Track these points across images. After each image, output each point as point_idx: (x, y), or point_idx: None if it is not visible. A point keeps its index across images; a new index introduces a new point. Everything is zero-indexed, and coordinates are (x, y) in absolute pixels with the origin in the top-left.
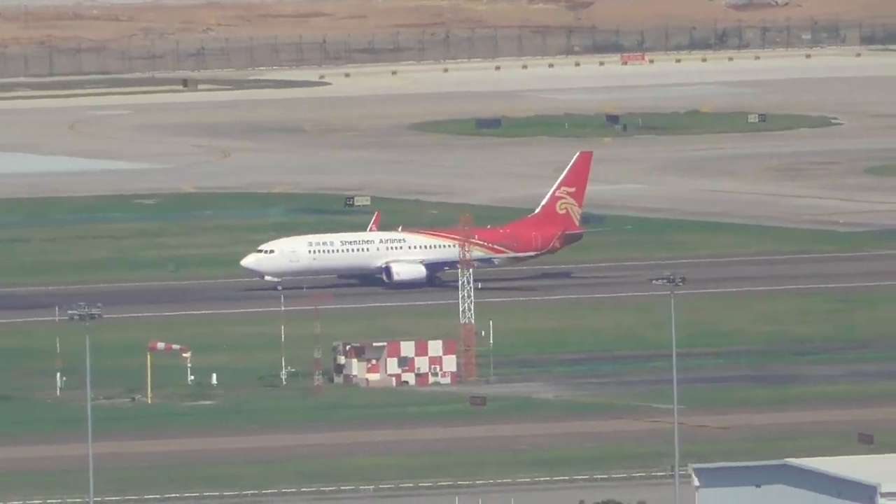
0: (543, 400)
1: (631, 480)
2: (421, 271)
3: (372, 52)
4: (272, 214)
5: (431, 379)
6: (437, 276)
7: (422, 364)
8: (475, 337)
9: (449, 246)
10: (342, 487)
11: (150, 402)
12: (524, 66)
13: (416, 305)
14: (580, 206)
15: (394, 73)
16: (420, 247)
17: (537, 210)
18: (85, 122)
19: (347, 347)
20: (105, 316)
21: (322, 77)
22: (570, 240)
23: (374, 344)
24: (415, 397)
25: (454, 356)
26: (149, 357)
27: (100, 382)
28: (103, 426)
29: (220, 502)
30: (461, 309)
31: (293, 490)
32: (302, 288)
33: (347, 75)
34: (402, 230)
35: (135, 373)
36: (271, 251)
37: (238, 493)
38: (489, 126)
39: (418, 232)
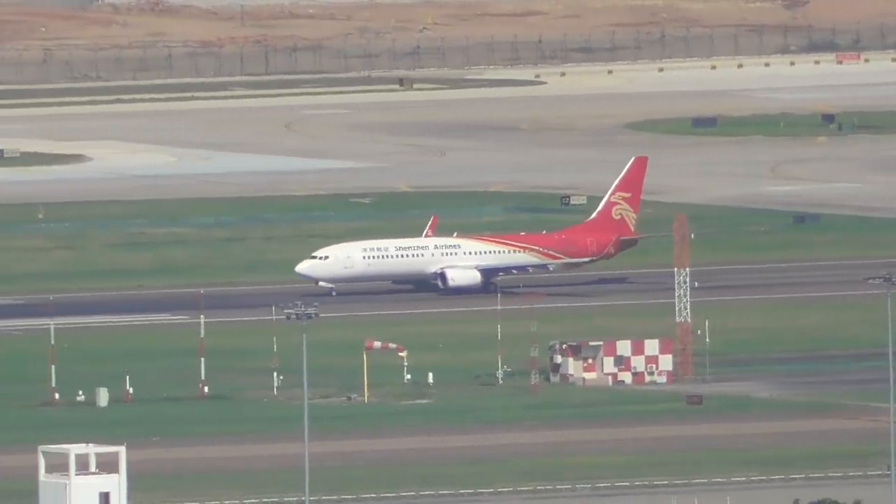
0: (760, 399)
1: (847, 479)
2: (476, 277)
3: (587, 52)
4: (488, 213)
5: (647, 378)
6: (493, 281)
7: (638, 363)
8: (692, 336)
9: (504, 252)
10: (558, 486)
11: (366, 401)
12: (740, 66)
13: (627, 305)
14: (636, 211)
15: (609, 72)
16: (475, 252)
17: (593, 215)
18: (301, 122)
19: (564, 346)
20: (321, 315)
21: (538, 76)
22: (625, 245)
23: (591, 343)
24: (631, 396)
25: (670, 355)
26: (365, 356)
27: (316, 381)
28: (319, 425)
29: (436, 501)
30: (677, 308)
31: (509, 489)
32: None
33: (563, 74)
34: (457, 236)
35: (351, 372)
36: (326, 257)
37: (454, 492)
38: (705, 125)
39: (473, 238)
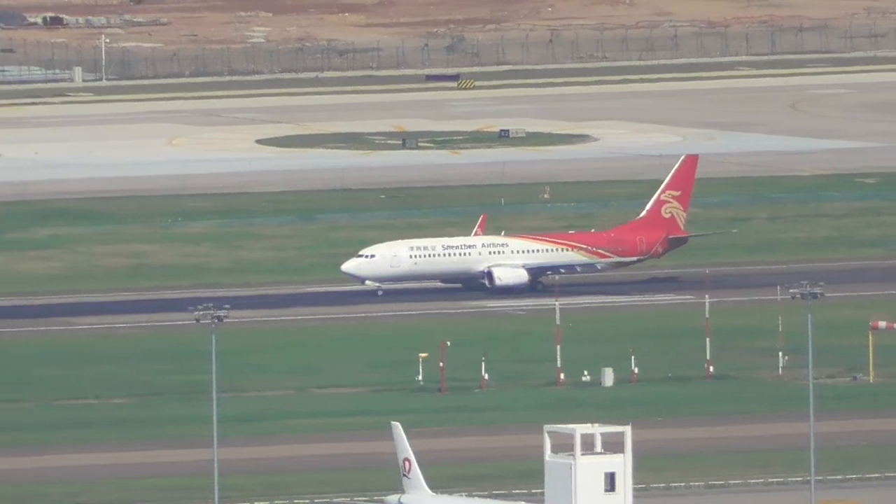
0: None
1: None
2: (523, 276)
3: None
4: None
5: None
6: (540, 280)
7: None
8: None
9: (551, 250)
10: None
11: (871, 381)
12: None
13: None
14: (686, 209)
15: None
16: (522, 251)
17: (643, 214)
18: (806, 101)
19: None
20: (826, 295)
21: None
22: (675, 244)
23: None
24: None
25: None
26: (870, 336)
27: (821, 361)
28: (823, 406)
29: None
30: None
31: None
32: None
33: None
34: (505, 235)
35: (856, 352)
36: (372, 256)
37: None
38: None
39: (520, 236)
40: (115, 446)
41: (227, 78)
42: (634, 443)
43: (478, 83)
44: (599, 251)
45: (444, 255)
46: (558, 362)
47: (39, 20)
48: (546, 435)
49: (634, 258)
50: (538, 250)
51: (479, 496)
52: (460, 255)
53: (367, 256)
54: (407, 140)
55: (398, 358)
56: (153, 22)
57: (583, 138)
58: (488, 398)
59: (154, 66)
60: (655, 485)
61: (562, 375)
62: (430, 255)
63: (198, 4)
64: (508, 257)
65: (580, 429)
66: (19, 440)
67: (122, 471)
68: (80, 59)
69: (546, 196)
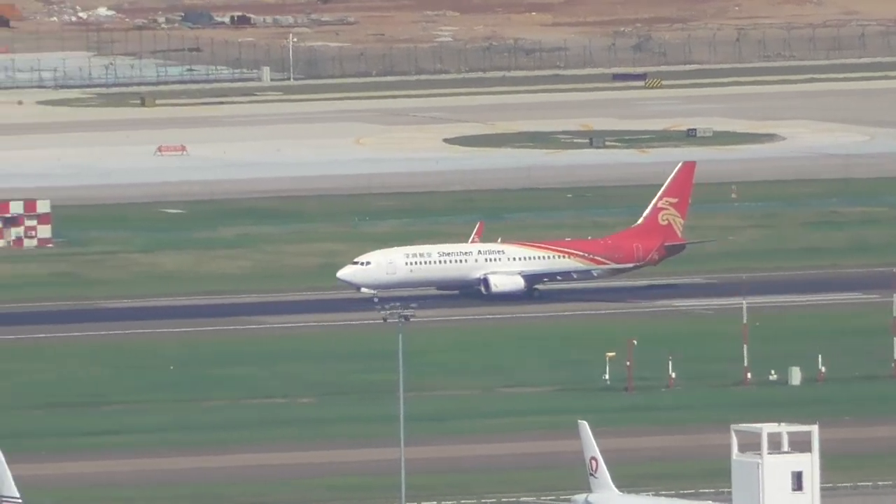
0: None
1: None
2: (519, 283)
3: None
4: None
5: None
6: (537, 287)
7: None
8: None
9: (548, 257)
10: None
11: None
12: None
13: None
14: (683, 216)
15: None
16: (519, 258)
17: (639, 221)
18: None
19: None
20: None
21: None
22: (671, 251)
23: None
24: None
25: None
26: None
27: None
28: None
29: None
30: None
31: None
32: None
33: None
34: (502, 241)
35: None
36: (368, 263)
37: None
38: None
39: (517, 243)
40: (300, 446)
41: (415, 77)
42: (822, 442)
43: (665, 82)
44: (596, 258)
45: (441, 262)
46: (745, 361)
47: (227, 19)
48: (733, 434)
49: (630, 265)
50: (534, 257)
51: (666, 495)
52: (456, 261)
53: (362, 263)
54: (594, 139)
55: (583, 357)
56: (340, 21)
57: (770, 137)
58: (675, 397)
59: (341, 66)
60: (842, 484)
61: (748, 374)
62: (426, 262)
63: (385, 4)
64: (505, 264)
65: (767, 428)
66: (206, 440)
67: (306, 471)
68: (268, 59)
69: (734, 195)
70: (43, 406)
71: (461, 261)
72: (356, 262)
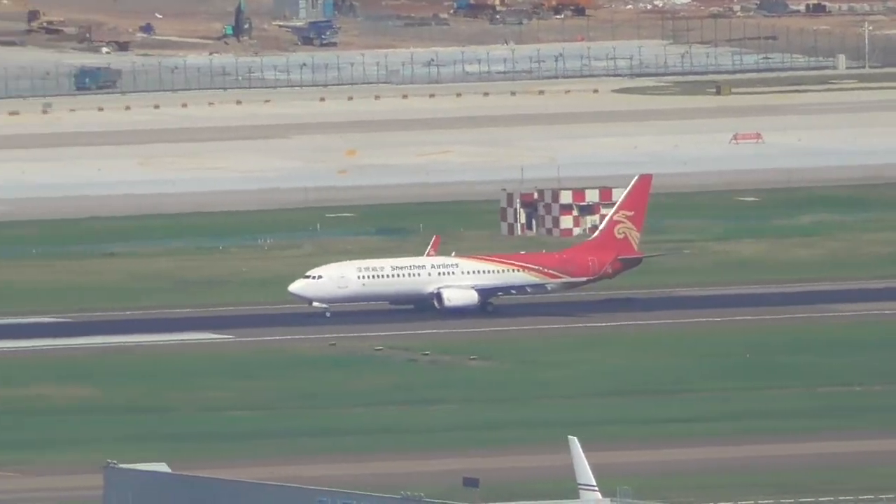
0: None
1: None
2: (473, 297)
3: None
4: None
5: None
6: (490, 301)
7: None
8: None
9: (502, 271)
10: None
11: None
12: None
13: None
14: (639, 230)
15: None
16: (472, 272)
17: (595, 234)
18: None
19: None
20: None
21: None
22: (627, 265)
23: None
24: None
25: None
26: None
27: None
28: None
29: None
30: None
31: None
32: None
33: None
34: (455, 255)
35: None
36: (319, 277)
37: None
38: None
39: (471, 257)
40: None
41: None
42: None
43: None
44: (550, 272)
45: (393, 276)
46: None
47: (802, 8)
48: None
49: (584, 279)
50: (488, 271)
51: None
52: (409, 276)
53: (314, 277)
54: None
55: None
56: None
57: None
58: None
59: None
60: None
61: None
62: (378, 276)
63: None
64: (458, 278)
65: None
66: (780, 427)
67: (875, 459)
68: (843, 47)
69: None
70: (616, 394)
71: (414, 275)
72: (307, 276)
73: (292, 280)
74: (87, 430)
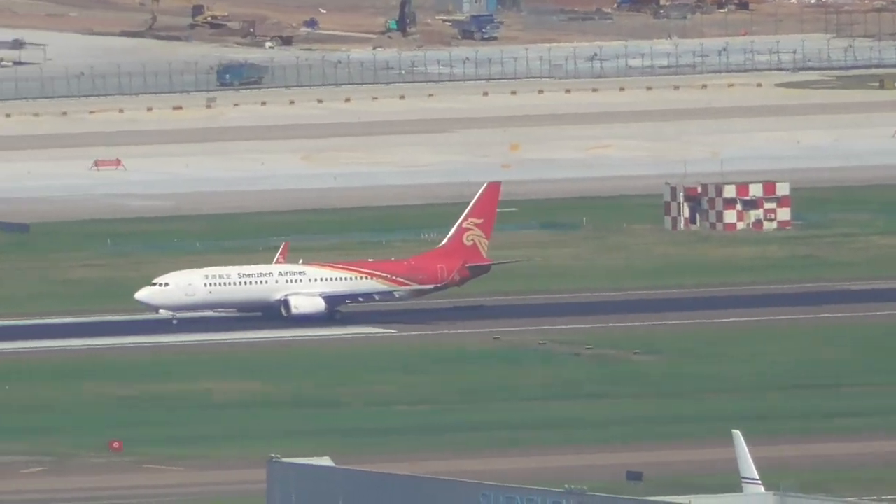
0: None
1: None
2: (320, 304)
3: None
4: None
5: None
6: (338, 309)
7: None
8: None
9: (349, 278)
10: None
11: None
12: None
13: None
14: (488, 237)
15: None
16: (320, 279)
17: (444, 242)
18: None
19: None
20: None
21: None
22: (475, 272)
23: None
24: None
25: None
26: None
27: None
28: None
29: None
30: None
31: None
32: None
33: None
34: (303, 263)
35: None
36: (166, 284)
37: None
38: None
39: (318, 265)
40: None
41: None
42: None
43: None
44: (398, 279)
45: (240, 283)
46: None
47: None
48: None
49: (432, 286)
50: (336, 278)
51: None
52: (257, 283)
53: (160, 285)
54: None
55: None
56: None
57: None
58: None
59: None
60: None
61: None
62: (225, 284)
63: None
64: (306, 285)
65: None
66: None
67: None
68: None
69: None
70: (786, 388)
71: (262, 282)
72: (154, 284)
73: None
74: (252, 425)
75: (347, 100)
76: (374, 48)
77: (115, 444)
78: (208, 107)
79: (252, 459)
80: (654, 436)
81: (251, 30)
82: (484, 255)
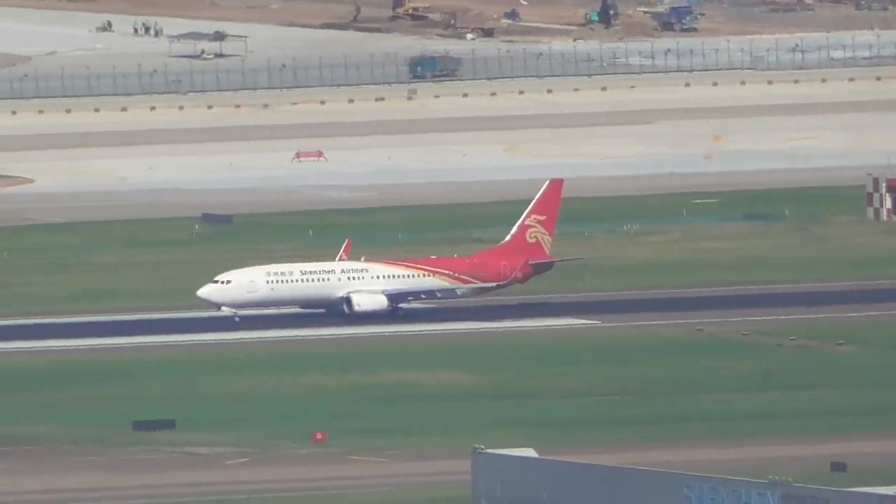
0: None
1: None
2: (382, 301)
3: None
4: None
5: None
6: (401, 306)
7: None
8: None
9: (411, 276)
10: None
11: None
12: None
13: None
14: (551, 234)
15: None
16: (382, 276)
17: (506, 239)
18: None
19: None
20: None
21: None
22: (538, 269)
23: None
24: None
25: None
26: None
27: None
28: None
29: None
30: None
31: None
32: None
33: None
34: (365, 260)
35: None
36: (228, 282)
37: None
38: None
39: (381, 262)
40: None
41: None
42: None
43: None
44: (461, 276)
45: (303, 280)
46: None
47: None
48: None
49: (494, 284)
50: (398, 276)
51: None
52: (319, 280)
53: (223, 282)
54: None
55: None
56: None
57: None
58: None
59: None
60: None
61: None
62: (287, 281)
63: None
64: (368, 283)
65: None
66: None
67: None
68: None
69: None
70: None
71: (324, 279)
72: (216, 281)
73: (660, 265)
74: (456, 416)
75: (549, 91)
76: (575, 40)
77: (319, 436)
78: (409, 98)
79: (457, 450)
80: (859, 427)
81: (452, 21)
82: (547, 252)
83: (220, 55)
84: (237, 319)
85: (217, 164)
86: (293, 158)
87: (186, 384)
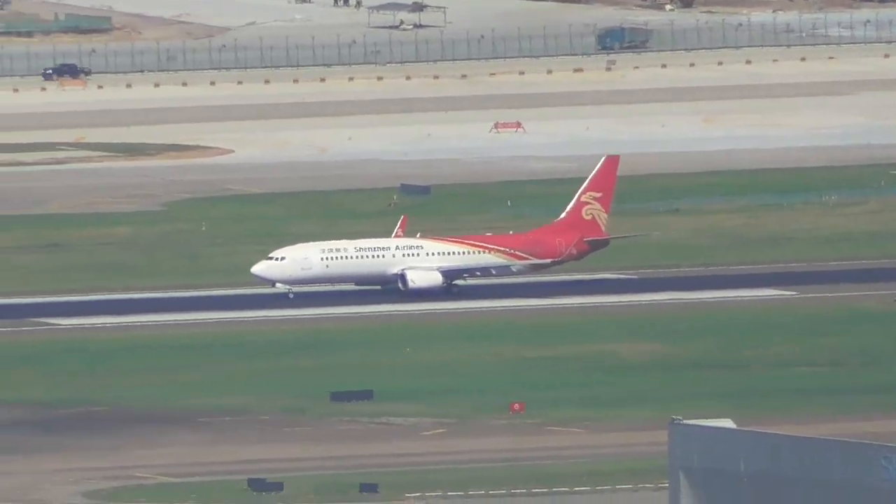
0: None
1: None
2: (437, 278)
3: None
4: None
5: None
6: (455, 283)
7: None
8: None
9: (466, 252)
10: None
11: None
12: None
13: None
14: (607, 211)
15: None
16: (437, 253)
17: (562, 215)
18: None
19: None
20: None
21: None
22: (594, 246)
23: None
24: None
25: None
26: None
27: None
28: None
29: None
30: None
31: None
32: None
33: None
34: (420, 237)
35: None
36: (282, 258)
37: None
38: None
39: (436, 239)
40: None
41: None
42: None
43: None
44: (516, 253)
45: (357, 257)
46: None
47: None
48: None
49: (549, 261)
50: (453, 252)
51: None
52: (373, 257)
53: (277, 259)
54: None
55: None
56: None
57: None
58: None
59: None
60: None
61: None
62: (342, 258)
63: None
64: (423, 259)
65: None
66: None
67: None
68: None
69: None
70: None
71: (378, 256)
72: (270, 258)
73: (857, 236)
74: (654, 387)
75: (748, 62)
76: (775, 11)
77: (517, 406)
78: (608, 69)
79: (654, 421)
80: None
81: None
82: (603, 229)
83: (418, 26)
84: (291, 296)
85: (415, 135)
86: (491, 129)
87: (383, 355)
